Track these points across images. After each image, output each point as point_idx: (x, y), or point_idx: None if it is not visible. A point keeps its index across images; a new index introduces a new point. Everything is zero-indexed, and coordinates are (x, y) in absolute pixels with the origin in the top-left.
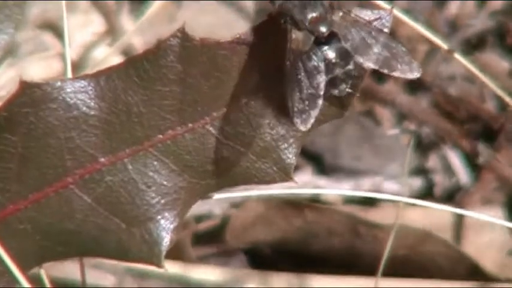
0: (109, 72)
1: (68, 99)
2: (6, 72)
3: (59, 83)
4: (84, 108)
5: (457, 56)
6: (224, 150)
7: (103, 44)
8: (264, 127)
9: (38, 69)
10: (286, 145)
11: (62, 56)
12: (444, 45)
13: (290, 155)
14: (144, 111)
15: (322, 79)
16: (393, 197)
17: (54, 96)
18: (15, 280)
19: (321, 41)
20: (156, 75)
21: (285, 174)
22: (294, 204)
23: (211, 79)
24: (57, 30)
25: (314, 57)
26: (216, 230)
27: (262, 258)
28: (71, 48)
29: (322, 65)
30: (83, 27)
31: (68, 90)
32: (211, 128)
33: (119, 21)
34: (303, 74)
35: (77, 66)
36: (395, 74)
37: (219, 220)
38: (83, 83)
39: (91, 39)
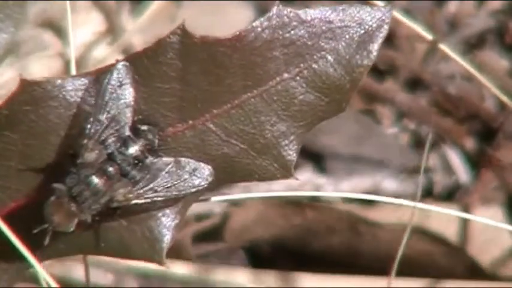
0: (109, 70)
1: (69, 97)
2: (7, 71)
3: (59, 81)
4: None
5: (446, 49)
6: (225, 147)
7: (103, 43)
8: (264, 124)
9: (38, 68)
10: (286, 142)
11: (62, 55)
12: (429, 36)
13: (291, 152)
14: (144, 109)
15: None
16: (396, 200)
17: (54, 94)
18: (17, 277)
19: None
20: (156, 72)
21: (285, 171)
22: (294, 203)
23: (211, 76)
24: (57, 29)
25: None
26: (216, 228)
27: (261, 257)
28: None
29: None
30: (83, 26)
31: (69, 88)
32: (211, 125)
33: (119, 20)
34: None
35: (77, 65)
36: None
37: (219, 218)
38: (83, 80)
39: (91, 38)
